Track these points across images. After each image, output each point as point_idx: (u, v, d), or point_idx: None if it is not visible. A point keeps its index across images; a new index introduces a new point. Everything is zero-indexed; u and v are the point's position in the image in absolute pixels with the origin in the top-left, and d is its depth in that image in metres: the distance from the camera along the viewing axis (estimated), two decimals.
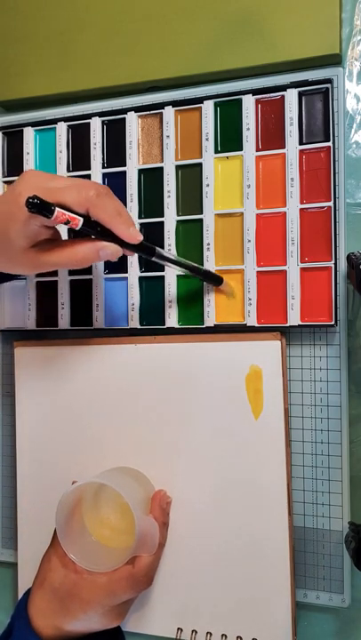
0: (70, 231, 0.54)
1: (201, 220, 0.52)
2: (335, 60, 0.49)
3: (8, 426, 0.59)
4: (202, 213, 0.52)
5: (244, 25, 0.50)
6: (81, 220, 0.40)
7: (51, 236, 0.43)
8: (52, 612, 0.46)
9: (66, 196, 0.40)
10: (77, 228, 0.41)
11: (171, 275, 0.53)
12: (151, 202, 0.53)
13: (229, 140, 0.51)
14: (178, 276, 0.52)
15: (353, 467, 0.49)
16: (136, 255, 0.53)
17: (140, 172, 0.54)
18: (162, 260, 0.46)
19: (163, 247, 0.53)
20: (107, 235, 0.42)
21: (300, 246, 0.49)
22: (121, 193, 0.54)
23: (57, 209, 0.39)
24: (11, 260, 0.44)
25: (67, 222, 0.40)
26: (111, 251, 0.43)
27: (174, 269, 0.49)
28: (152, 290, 0.53)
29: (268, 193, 0.50)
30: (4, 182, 0.59)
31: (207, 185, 0.51)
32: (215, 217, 0.51)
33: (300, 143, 0.49)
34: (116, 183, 0.55)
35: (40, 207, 0.38)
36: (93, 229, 0.41)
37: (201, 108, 0.52)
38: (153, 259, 0.45)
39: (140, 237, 0.43)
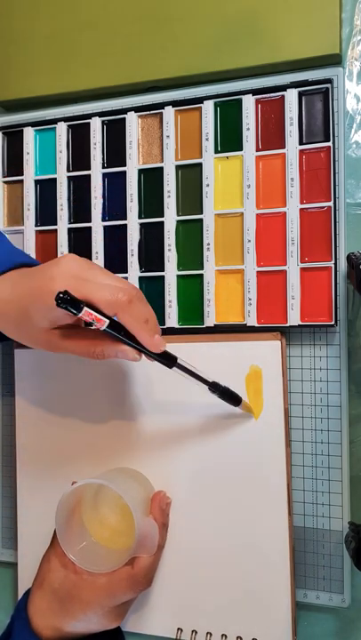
0: None
1: (201, 220, 0.52)
2: (335, 59, 0.49)
3: (8, 426, 0.59)
4: (202, 213, 0.52)
5: (244, 25, 0.50)
6: (107, 322, 0.40)
7: (73, 322, 0.43)
8: (51, 613, 0.46)
9: (98, 295, 0.39)
10: (101, 330, 0.40)
11: (171, 275, 0.53)
12: (151, 202, 0.53)
13: (229, 140, 0.51)
14: (178, 276, 0.52)
15: (353, 467, 0.49)
16: (136, 255, 0.53)
17: (140, 172, 0.54)
18: (182, 370, 0.44)
19: (163, 247, 0.53)
20: (129, 338, 0.42)
21: (300, 246, 0.49)
22: (121, 193, 0.54)
23: (85, 308, 0.38)
24: (29, 337, 0.44)
25: (91, 322, 0.39)
26: (131, 356, 0.42)
27: (189, 379, 0.45)
28: (152, 290, 0.53)
29: (268, 193, 0.50)
30: (4, 182, 0.59)
31: (207, 185, 0.51)
32: (215, 217, 0.51)
33: (300, 143, 0.49)
34: (116, 183, 0.55)
35: (69, 303, 0.38)
36: (117, 332, 0.41)
37: (201, 108, 0.51)
38: (173, 369, 0.44)
39: (163, 347, 0.43)
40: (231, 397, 0.47)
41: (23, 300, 0.42)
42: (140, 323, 0.41)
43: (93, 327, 0.40)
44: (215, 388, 0.46)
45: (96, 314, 0.39)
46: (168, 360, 0.44)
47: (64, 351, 0.44)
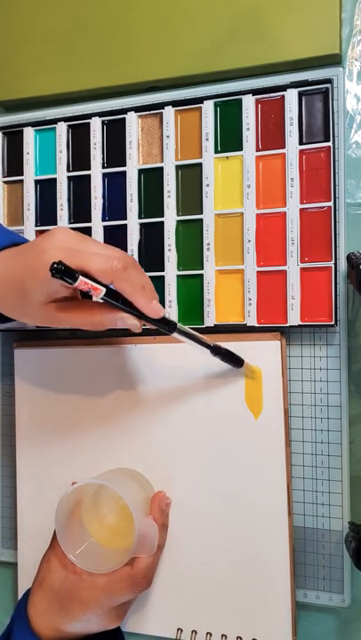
0: None
1: (201, 220, 0.52)
2: (335, 59, 0.49)
3: (8, 426, 0.59)
4: (202, 213, 0.52)
5: (244, 25, 0.50)
6: (103, 290, 0.40)
7: (70, 294, 0.43)
8: (51, 613, 0.46)
9: (92, 264, 0.39)
10: (98, 298, 0.40)
11: (171, 275, 0.53)
12: (151, 202, 0.53)
13: (229, 140, 0.51)
14: (178, 276, 0.52)
15: (353, 467, 0.49)
16: (136, 255, 0.53)
17: (140, 172, 0.54)
18: (183, 335, 0.44)
19: (163, 247, 0.53)
20: (128, 305, 0.41)
21: (300, 246, 0.49)
22: (121, 193, 0.54)
23: (80, 277, 0.38)
24: (26, 313, 0.44)
25: (88, 291, 0.39)
26: (130, 322, 0.42)
27: (190, 343, 0.46)
28: None
29: (268, 193, 0.50)
30: (4, 182, 0.59)
31: (207, 185, 0.51)
32: (215, 217, 0.51)
33: (300, 143, 0.49)
34: (116, 183, 0.55)
35: (64, 273, 0.37)
36: (115, 300, 0.41)
37: (201, 108, 0.51)
38: (174, 334, 0.44)
39: (162, 312, 0.42)
40: (233, 359, 0.48)
41: (18, 277, 0.42)
42: (137, 289, 0.41)
43: (92, 297, 0.39)
44: (217, 351, 0.46)
45: (92, 282, 0.39)
46: (168, 325, 0.43)
47: (64, 324, 0.43)
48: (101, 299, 0.40)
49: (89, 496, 0.50)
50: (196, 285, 0.52)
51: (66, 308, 0.43)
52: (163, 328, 0.43)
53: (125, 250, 0.54)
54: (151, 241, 0.53)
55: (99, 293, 0.40)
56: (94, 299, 0.40)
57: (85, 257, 0.39)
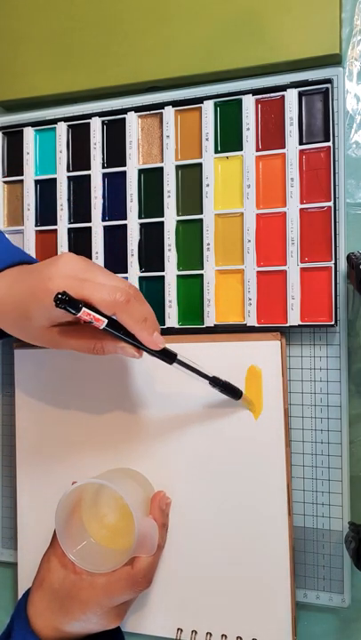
0: None
1: (201, 220, 0.52)
2: (335, 59, 0.49)
3: (8, 426, 0.59)
4: (202, 213, 0.52)
5: (244, 25, 0.50)
6: (105, 321, 0.40)
7: (72, 319, 0.43)
8: (51, 613, 0.46)
9: (95, 295, 0.40)
10: (100, 328, 0.40)
11: (171, 275, 0.53)
12: (151, 202, 0.53)
13: (229, 140, 0.51)
14: (178, 276, 0.52)
15: (353, 467, 0.49)
16: (136, 255, 0.53)
17: (140, 172, 0.54)
18: (182, 366, 0.45)
19: (163, 247, 0.53)
20: (128, 336, 0.42)
21: (300, 246, 0.49)
22: (121, 193, 0.54)
23: (84, 308, 0.39)
24: (28, 334, 0.45)
25: (90, 322, 0.39)
26: (130, 352, 0.43)
27: (189, 374, 0.46)
28: (152, 290, 0.53)
29: (268, 193, 0.50)
30: (4, 182, 0.59)
31: (207, 185, 0.51)
32: (215, 217, 0.51)
33: (300, 143, 0.49)
34: (116, 183, 0.55)
35: (67, 304, 0.38)
36: (117, 331, 0.41)
37: (201, 108, 0.51)
38: (173, 365, 0.45)
39: (162, 345, 0.43)
40: (232, 391, 0.47)
41: (22, 299, 0.43)
42: (139, 322, 0.41)
43: (91, 325, 0.40)
44: (215, 382, 0.46)
45: (95, 314, 0.40)
46: (168, 357, 0.44)
47: (65, 348, 0.44)
48: (103, 329, 0.41)
49: (89, 496, 0.50)
50: (196, 285, 0.52)
51: (67, 333, 0.43)
52: (163, 359, 0.44)
53: (125, 250, 0.54)
54: (151, 241, 0.53)
55: (101, 324, 0.40)
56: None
57: (90, 288, 0.40)
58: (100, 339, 0.43)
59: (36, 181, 0.57)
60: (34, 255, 0.57)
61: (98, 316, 0.40)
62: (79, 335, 0.43)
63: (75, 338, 0.43)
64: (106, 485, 0.47)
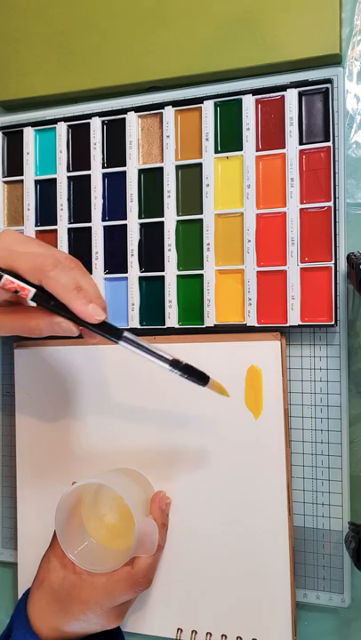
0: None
1: (201, 220, 0.52)
2: (335, 59, 0.49)
3: (8, 426, 0.59)
4: (202, 213, 0.52)
5: (244, 25, 0.50)
6: (32, 290, 0.37)
7: (12, 299, 0.40)
8: (51, 613, 0.46)
9: (19, 262, 0.37)
10: (28, 299, 0.38)
11: (171, 275, 0.53)
12: (151, 202, 0.53)
13: (229, 140, 0.51)
14: (178, 276, 0.52)
15: (353, 467, 0.49)
16: (136, 255, 0.53)
17: (140, 172, 0.54)
18: (133, 345, 0.40)
19: (163, 247, 0.53)
20: (64, 309, 0.39)
21: (300, 246, 0.49)
22: (121, 193, 0.54)
23: (5, 276, 0.36)
24: None
25: (16, 291, 0.37)
26: (66, 328, 0.39)
27: (143, 356, 0.41)
28: (152, 290, 0.53)
29: (268, 193, 0.50)
30: (4, 182, 0.59)
31: (207, 185, 0.51)
32: (215, 217, 0.51)
33: (300, 143, 0.49)
34: (116, 183, 0.55)
35: None
36: (46, 303, 0.38)
37: (201, 108, 0.51)
38: (121, 343, 0.40)
39: (101, 316, 0.39)
40: (196, 376, 0.42)
41: None
42: (70, 290, 0.38)
43: (18, 295, 0.37)
44: (175, 365, 0.41)
45: (20, 282, 0.37)
46: (112, 333, 0.40)
47: (3, 330, 0.40)
48: (31, 300, 0.38)
49: (89, 496, 0.50)
50: (196, 285, 0.52)
51: (4, 313, 0.40)
52: (105, 336, 0.40)
53: (125, 250, 0.54)
54: (151, 241, 0.53)
55: (27, 294, 0.37)
56: (27, 302, 0.38)
57: (17, 256, 0.38)
58: (34, 316, 0.39)
59: (36, 181, 0.57)
60: None
61: (22, 284, 0.37)
62: (15, 314, 0.40)
63: (10, 317, 0.40)
64: (106, 485, 0.47)
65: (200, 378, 0.42)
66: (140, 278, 0.54)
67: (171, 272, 0.52)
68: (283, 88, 0.49)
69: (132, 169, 0.54)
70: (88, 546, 0.49)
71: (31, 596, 0.48)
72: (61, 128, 0.56)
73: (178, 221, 0.53)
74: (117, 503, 0.50)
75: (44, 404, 0.56)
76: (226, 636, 0.50)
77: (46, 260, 0.38)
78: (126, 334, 0.40)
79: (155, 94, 0.55)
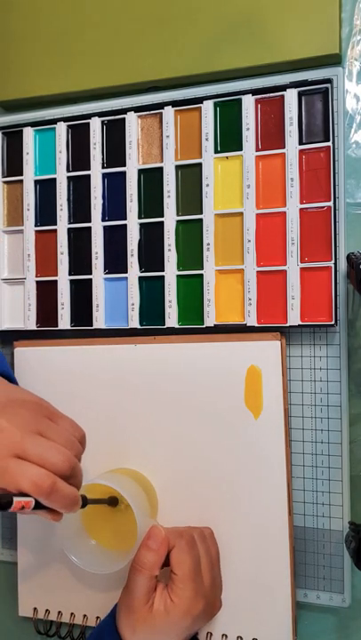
0: None
1: (201, 220, 0.52)
2: (335, 59, 0.49)
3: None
4: (202, 213, 0.52)
5: (244, 25, 0.50)
6: (33, 501, 0.39)
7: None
8: None
9: (19, 483, 0.38)
10: (30, 509, 0.39)
11: (171, 275, 0.53)
12: (151, 202, 0.53)
13: (229, 140, 0.51)
14: (178, 276, 0.52)
15: (353, 467, 0.49)
16: (136, 255, 0.53)
17: (140, 172, 0.54)
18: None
19: (163, 247, 0.53)
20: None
21: (300, 246, 0.49)
22: (121, 193, 0.54)
23: (15, 500, 0.38)
24: None
25: (22, 508, 0.38)
26: (49, 518, 0.42)
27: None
28: (152, 290, 0.53)
29: (267, 193, 0.50)
30: (4, 182, 0.59)
31: (207, 185, 0.51)
32: (215, 217, 0.51)
33: (300, 143, 0.49)
34: (115, 183, 0.55)
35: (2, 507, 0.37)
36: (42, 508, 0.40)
37: (201, 108, 0.51)
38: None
39: (78, 508, 0.42)
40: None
41: None
42: (66, 507, 0.40)
43: (22, 512, 0.39)
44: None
45: (23, 499, 0.38)
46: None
47: None
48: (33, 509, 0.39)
49: (90, 495, 0.50)
50: (197, 285, 0.52)
51: None
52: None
53: (125, 250, 0.54)
54: (151, 241, 0.53)
55: (30, 506, 0.39)
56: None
57: (13, 474, 0.38)
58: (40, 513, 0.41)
59: (36, 181, 0.57)
60: (33, 255, 0.57)
61: (26, 499, 0.38)
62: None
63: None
64: (107, 486, 0.47)
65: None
66: (140, 278, 0.54)
67: (171, 272, 0.52)
68: (282, 88, 0.49)
69: (131, 169, 0.54)
70: (89, 547, 0.49)
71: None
72: (61, 128, 0.56)
73: (178, 221, 0.53)
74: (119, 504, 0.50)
75: None
76: (226, 636, 0.50)
77: (44, 481, 0.38)
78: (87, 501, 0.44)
79: (154, 94, 0.54)
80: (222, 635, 0.50)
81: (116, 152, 0.55)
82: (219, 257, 0.51)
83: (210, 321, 0.51)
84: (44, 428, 0.42)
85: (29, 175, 0.57)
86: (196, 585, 0.45)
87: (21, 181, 0.58)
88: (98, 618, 0.53)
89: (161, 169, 0.53)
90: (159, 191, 0.53)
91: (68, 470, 0.40)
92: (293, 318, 0.49)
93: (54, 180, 0.56)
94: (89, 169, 0.55)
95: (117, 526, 0.50)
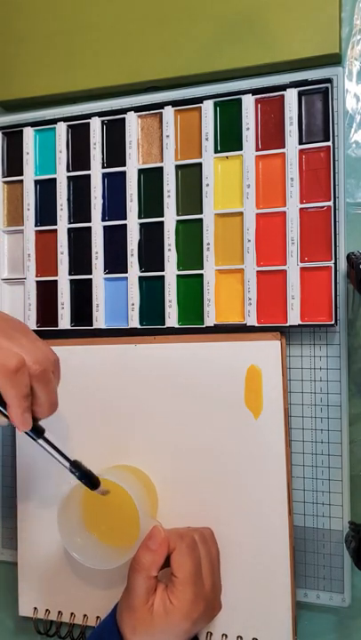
0: None
1: (201, 220, 0.52)
2: (335, 59, 0.49)
3: (8, 426, 0.59)
4: (202, 213, 0.52)
5: (244, 25, 0.50)
6: None
7: None
8: None
9: None
10: None
11: (171, 275, 0.53)
12: (151, 202, 0.53)
13: (229, 139, 0.51)
14: (178, 276, 0.53)
15: (353, 466, 0.49)
16: (136, 255, 0.53)
17: (140, 171, 0.54)
18: (47, 444, 0.44)
19: (163, 247, 0.53)
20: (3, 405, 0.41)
21: (300, 246, 0.49)
22: (121, 193, 0.54)
23: None
24: None
25: None
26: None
27: (52, 453, 0.45)
28: (152, 290, 0.53)
29: (267, 193, 0.50)
30: (4, 182, 0.59)
31: (207, 185, 0.51)
32: (215, 217, 0.51)
33: (300, 143, 0.49)
34: (115, 183, 0.55)
35: None
36: None
37: (201, 107, 0.51)
38: (39, 441, 0.44)
39: (26, 429, 0.42)
40: (89, 481, 0.45)
41: None
42: (16, 398, 0.39)
43: None
44: (75, 467, 0.45)
45: None
46: (35, 432, 0.43)
47: None
48: None
49: (90, 493, 0.50)
50: (197, 285, 0.52)
51: None
52: (30, 434, 0.43)
53: (125, 250, 0.54)
54: (151, 241, 0.53)
55: None
56: None
57: None
58: None
59: (36, 181, 0.57)
60: (33, 255, 0.57)
61: None
62: None
63: None
64: (109, 481, 0.47)
65: (92, 484, 0.45)
66: (140, 278, 0.54)
67: (171, 272, 0.52)
68: (282, 88, 0.49)
69: (131, 169, 0.54)
70: (90, 543, 0.49)
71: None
72: (61, 128, 0.56)
73: (178, 221, 0.53)
74: (119, 500, 0.50)
75: None
76: (226, 636, 0.50)
77: (9, 360, 0.38)
78: (46, 435, 0.44)
79: (154, 94, 0.55)
80: (222, 635, 0.50)
81: (116, 152, 0.55)
82: (219, 257, 0.51)
83: (210, 321, 0.51)
84: (24, 339, 0.41)
85: (29, 175, 0.57)
86: (197, 588, 0.45)
87: (21, 181, 0.58)
88: (98, 618, 0.53)
89: (161, 169, 0.53)
90: (159, 191, 0.53)
91: (38, 370, 0.40)
92: (293, 318, 0.49)
93: (54, 179, 0.56)
94: (89, 169, 0.55)
95: (117, 522, 0.50)
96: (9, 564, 0.59)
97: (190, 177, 0.52)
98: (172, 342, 0.52)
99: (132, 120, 0.54)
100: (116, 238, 0.54)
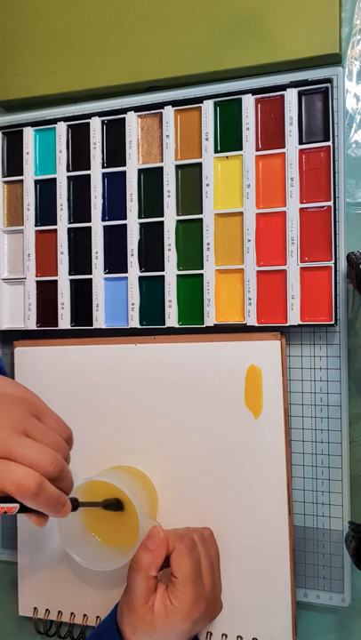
0: None
1: (201, 220, 0.52)
2: (335, 59, 0.49)
3: None
4: (202, 213, 0.52)
5: (244, 25, 0.50)
6: (17, 507, 0.38)
7: None
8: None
9: (5, 484, 0.37)
10: (14, 513, 0.39)
11: (171, 275, 0.53)
12: (151, 202, 0.53)
13: (229, 139, 0.51)
14: (178, 276, 0.53)
15: (353, 466, 0.49)
16: (136, 255, 0.53)
17: (140, 171, 0.54)
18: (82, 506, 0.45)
19: (163, 247, 0.53)
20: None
21: (300, 246, 0.49)
22: (121, 193, 0.54)
23: None
24: None
25: (4, 513, 0.38)
26: (35, 522, 0.41)
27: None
28: (152, 289, 0.53)
29: (267, 193, 0.50)
30: (4, 182, 0.59)
31: (207, 185, 0.51)
32: (215, 217, 0.51)
33: (300, 143, 0.49)
34: (115, 183, 0.55)
35: None
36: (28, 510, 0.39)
37: (201, 107, 0.51)
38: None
39: (68, 512, 0.42)
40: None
41: None
42: (52, 508, 0.39)
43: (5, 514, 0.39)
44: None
45: (7, 504, 0.38)
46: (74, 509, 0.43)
47: None
48: (17, 512, 0.39)
49: (91, 493, 0.50)
50: (197, 285, 0.52)
51: None
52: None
53: (125, 250, 0.54)
54: (151, 241, 0.53)
55: (13, 511, 0.39)
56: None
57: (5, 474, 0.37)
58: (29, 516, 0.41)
59: (36, 181, 0.57)
60: (34, 255, 0.57)
61: (9, 505, 0.38)
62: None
63: None
64: (108, 482, 0.47)
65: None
66: (140, 278, 0.54)
67: (171, 272, 0.52)
68: (282, 88, 0.49)
69: (131, 169, 0.54)
70: (90, 544, 0.49)
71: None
72: (61, 128, 0.56)
73: (178, 221, 0.53)
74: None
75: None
76: (226, 636, 0.50)
77: (30, 481, 0.37)
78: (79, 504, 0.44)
79: (154, 94, 0.55)
80: (222, 634, 0.50)
81: (115, 152, 0.55)
82: (219, 257, 0.51)
83: (210, 321, 0.51)
84: (31, 428, 0.41)
85: (29, 175, 0.57)
86: (197, 588, 0.45)
87: (21, 181, 0.58)
88: (98, 618, 0.53)
89: (161, 169, 0.53)
90: (159, 191, 0.53)
91: (55, 472, 0.39)
92: (293, 318, 0.49)
93: (54, 179, 0.56)
94: (89, 169, 0.55)
95: (118, 523, 0.50)
96: (9, 564, 0.59)
97: (190, 177, 0.52)
98: (172, 342, 0.52)
99: (132, 120, 0.54)
100: (116, 238, 0.54)
